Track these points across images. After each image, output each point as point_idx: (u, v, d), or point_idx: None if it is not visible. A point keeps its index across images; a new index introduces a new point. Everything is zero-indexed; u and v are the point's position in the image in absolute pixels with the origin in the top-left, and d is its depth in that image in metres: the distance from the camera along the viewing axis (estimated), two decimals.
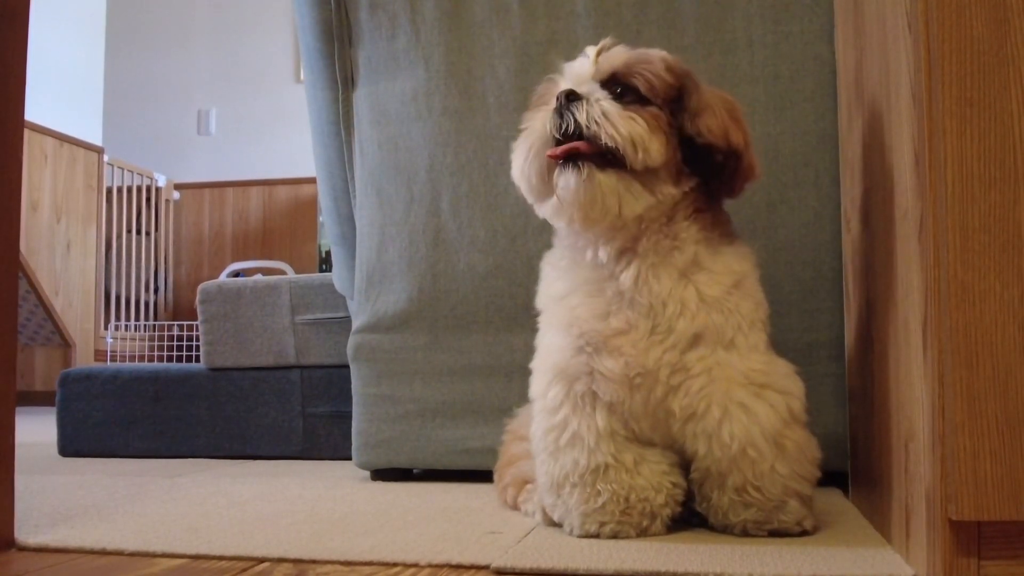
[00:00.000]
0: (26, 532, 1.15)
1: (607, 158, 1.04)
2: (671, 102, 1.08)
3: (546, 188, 1.09)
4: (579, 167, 1.04)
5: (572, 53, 1.56)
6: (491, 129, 1.62)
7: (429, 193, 1.65)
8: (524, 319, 1.57)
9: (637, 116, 1.04)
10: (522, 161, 1.10)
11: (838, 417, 1.45)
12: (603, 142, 1.03)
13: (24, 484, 1.61)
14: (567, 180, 1.05)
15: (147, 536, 1.14)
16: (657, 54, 1.11)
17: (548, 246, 1.23)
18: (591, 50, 1.12)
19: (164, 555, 1.05)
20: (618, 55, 1.10)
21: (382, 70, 1.69)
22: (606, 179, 1.04)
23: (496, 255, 1.61)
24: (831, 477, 1.36)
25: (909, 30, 0.89)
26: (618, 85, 1.08)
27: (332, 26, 1.70)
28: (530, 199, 1.13)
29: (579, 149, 1.04)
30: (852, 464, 1.38)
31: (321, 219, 5.20)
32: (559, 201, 1.07)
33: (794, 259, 1.50)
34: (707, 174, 1.10)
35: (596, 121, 1.03)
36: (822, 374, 1.44)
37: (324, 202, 1.84)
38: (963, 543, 0.83)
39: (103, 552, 1.07)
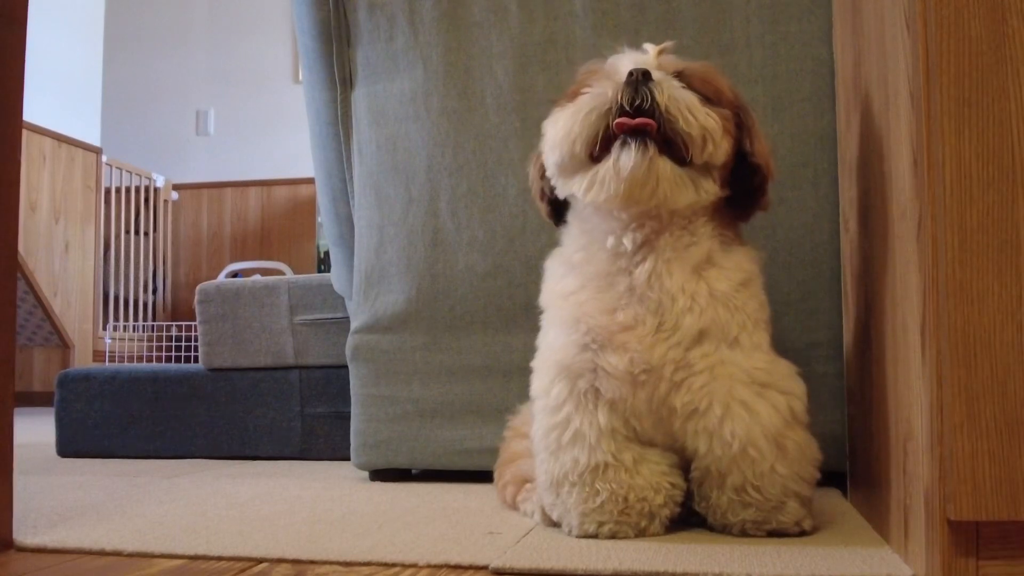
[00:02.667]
0: (24, 533, 1.15)
1: (668, 145, 1.04)
2: (734, 115, 1.09)
3: (588, 160, 1.06)
4: (646, 145, 1.02)
5: (570, 53, 1.58)
6: (489, 129, 1.62)
7: (427, 193, 1.65)
8: (523, 319, 1.57)
9: (714, 113, 1.05)
10: (573, 123, 1.06)
11: (836, 417, 1.45)
12: (680, 127, 1.02)
13: (23, 485, 1.61)
14: (628, 155, 1.02)
15: (146, 537, 1.14)
16: (716, 70, 1.11)
17: (547, 246, 1.23)
18: (651, 47, 1.11)
19: (163, 556, 1.05)
20: (675, 60, 1.10)
21: (380, 71, 1.69)
22: (663, 165, 1.03)
23: (495, 255, 1.61)
24: (829, 477, 1.36)
25: (907, 30, 0.89)
26: (684, 85, 1.07)
27: (330, 27, 1.70)
28: (558, 169, 1.10)
29: (651, 127, 1.02)
30: (850, 464, 1.38)
31: (319, 219, 5.20)
32: (612, 174, 1.03)
33: (793, 259, 1.50)
34: (738, 191, 1.11)
35: (676, 106, 1.02)
36: (820, 374, 1.44)
37: (322, 202, 1.84)
38: (961, 543, 0.83)
39: (102, 553, 1.07)
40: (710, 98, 1.07)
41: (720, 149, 1.05)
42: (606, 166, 1.04)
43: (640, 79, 1.03)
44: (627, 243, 1.09)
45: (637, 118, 1.02)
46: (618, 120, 1.03)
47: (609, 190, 1.05)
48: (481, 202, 1.62)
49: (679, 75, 1.07)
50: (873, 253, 1.14)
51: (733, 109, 1.10)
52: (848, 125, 1.34)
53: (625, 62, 1.09)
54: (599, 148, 1.05)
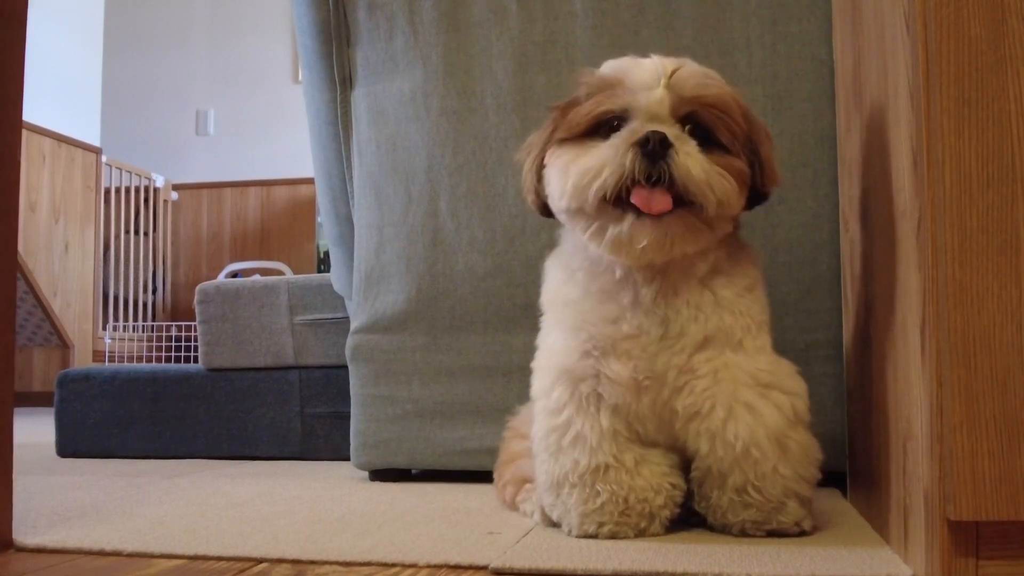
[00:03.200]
0: (24, 533, 1.15)
1: (680, 200, 1.01)
2: (747, 152, 1.06)
3: (599, 215, 1.04)
4: (661, 220, 1.01)
5: (570, 54, 1.58)
6: (489, 129, 1.62)
7: (427, 194, 1.65)
8: (522, 319, 1.57)
9: (728, 175, 1.02)
10: (582, 185, 1.02)
11: (836, 417, 1.45)
12: (697, 199, 1.00)
13: (22, 485, 1.60)
14: (643, 230, 1.01)
15: (145, 537, 1.14)
16: (729, 92, 1.06)
17: (546, 246, 1.23)
18: (660, 64, 1.05)
19: (162, 556, 1.05)
20: (693, 85, 1.04)
21: (380, 70, 1.69)
22: (677, 227, 1.02)
23: (494, 256, 1.61)
24: (829, 477, 1.35)
25: (907, 30, 0.89)
26: (693, 123, 1.03)
27: (330, 26, 1.70)
28: (563, 214, 1.08)
29: (671, 210, 1.00)
30: (850, 464, 1.38)
31: (319, 219, 5.20)
32: (623, 240, 1.02)
33: (792, 259, 1.50)
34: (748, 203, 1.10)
35: (696, 183, 0.99)
36: (820, 374, 1.44)
37: (322, 202, 1.84)
38: (961, 543, 0.83)
39: (101, 553, 1.07)
40: (725, 144, 1.04)
41: (736, 207, 1.04)
42: (617, 230, 1.02)
43: (657, 148, 0.99)
44: (639, 279, 1.08)
45: (657, 194, 1.00)
46: (634, 199, 1.00)
47: (618, 253, 1.04)
48: (481, 202, 1.62)
49: (692, 115, 1.04)
50: (873, 253, 1.14)
51: (747, 146, 1.06)
52: (848, 125, 1.34)
53: (636, 92, 1.04)
54: (608, 207, 1.03)
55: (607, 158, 1.01)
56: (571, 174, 1.04)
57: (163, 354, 5.01)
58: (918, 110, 0.86)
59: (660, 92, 1.03)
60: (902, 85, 0.92)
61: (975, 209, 0.82)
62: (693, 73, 1.06)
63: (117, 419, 2.24)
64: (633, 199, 1.01)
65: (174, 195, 5.59)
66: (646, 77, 1.04)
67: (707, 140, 1.04)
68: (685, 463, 1.13)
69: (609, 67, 1.09)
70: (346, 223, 1.79)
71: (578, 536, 1.10)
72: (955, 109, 0.83)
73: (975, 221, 0.82)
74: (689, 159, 1.00)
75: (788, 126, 1.51)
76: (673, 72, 1.04)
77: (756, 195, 1.10)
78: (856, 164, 1.26)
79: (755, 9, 1.53)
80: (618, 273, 1.09)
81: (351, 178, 1.74)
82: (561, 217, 1.10)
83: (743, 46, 1.53)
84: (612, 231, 1.02)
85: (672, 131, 1.01)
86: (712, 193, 1.01)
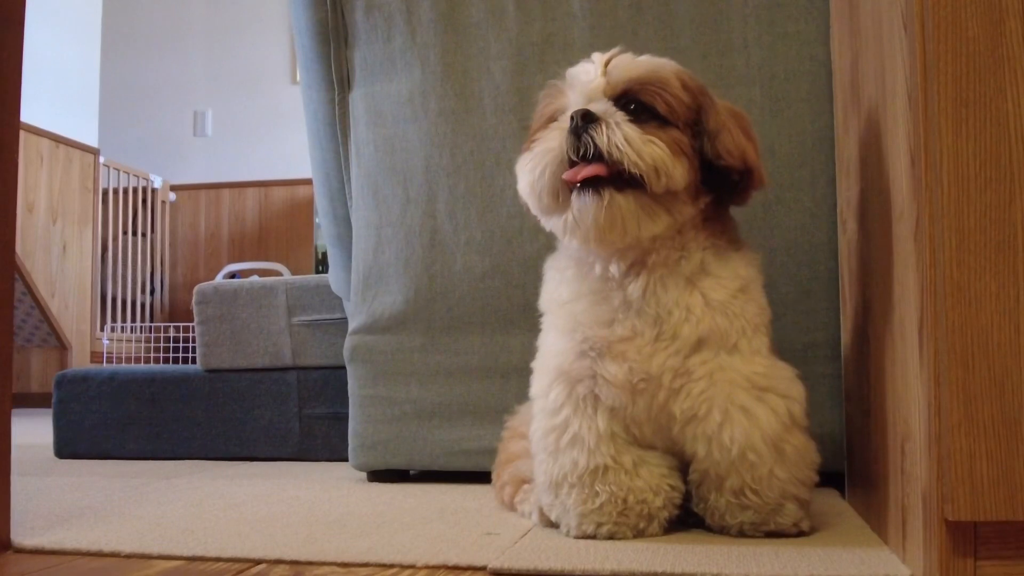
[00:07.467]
0: (22, 534, 1.15)
1: (626, 179, 1.03)
2: (691, 123, 1.07)
3: (557, 205, 1.07)
4: (600, 193, 1.02)
5: (568, 54, 1.57)
6: (487, 130, 1.62)
7: (425, 194, 1.65)
8: (521, 320, 1.57)
9: (658, 141, 1.03)
10: (533, 179, 1.07)
11: (834, 417, 1.45)
12: (626, 168, 1.01)
13: (20, 486, 1.60)
14: (585, 204, 1.03)
15: (144, 538, 1.14)
16: (670, 68, 1.09)
17: (544, 247, 1.23)
18: (598, 58, 1.10)
19: (161, 557, 1.05)
20: (627, 67, 1.08)
21: (378, 71, 1.69)
22: (625, 203, 1.03)
23: (492, 256, 1.61)
24: (827, 477, 1.36)
25: (905, 31, 0.90)
26: (632, 102, 1.06)
27: (328, 27, 1.70)
28: (537, 213, 1.12)
29: (599, 175, 1.02)
30: (848, 464, 1.38)
31: (317, 220, 5.19)
32: (575, 223, 1.05)
33: (790, 260, 1.50)
34: (720, 189, 1.10)
35: (618, 147, 1.01)
36: (818, 374, 1.45)
37: (320, 203, 1.84)
38: (959, 543, 0.83)
39: (100, 554, 1.07)
40: (662, 114, 1.05)
41: (675, 176, 1.03)
42: (570, 216, 1.05)
43: (580, 124, 1.03)
44: (614, 270, 1.10)
45: (587, 166, 1.03)
46: (565, 176, 1.04)
47: (579, 236, 1.07)
48: (479, 203, 1.62)
49: (627, 92, 1.06)
50: (871, 253, 1.14)
51: (689, 117, 1.07)
52: (846, 126, 1.34)
53: (575, 87, 1.09)
54: (562, 195, 1.06)
55: (544, 146, 1.07)
56: (523, 171, 1.09)
57: (161, 355, 5.01)
58: (916, 111, 0.86)
59: (596, 80, 1.07)
60: (900, 85, 0.93)
61: (973, 209, 0.82)
62: (630, 57, 1.10)
63: (115, 420, 2.24)
64: (564, 178, 1.04)
65: (172, 196, 5.59)
66: (587, 73, 1.09)
67: (648, 114, 1.05)
68: (683, 465, 1.13)
69: (567, 74, 1.13)
70: (344, 224, 1.78)
71: (576, 536, 1.10)
72: (953, 110, 0.83)
73: (973, 221, 0.82)
74: (612, 128, 1.02)
75: (786, 127, 1.51)
76: (609, 60, 1.09)
77: (716, 174, 1.08)
78: (854, 164, 1.26)
79: (753, 10, 1.53)
80: (598, 268, 1.10)
81: (349, 179, 1.74)
82: (542, 221, 1.13)
83: (741, 47, 1.53)
84: (568, 218, 1.06)
85: (600, 107, 1.05)
86: (641, 159, 1.01)
